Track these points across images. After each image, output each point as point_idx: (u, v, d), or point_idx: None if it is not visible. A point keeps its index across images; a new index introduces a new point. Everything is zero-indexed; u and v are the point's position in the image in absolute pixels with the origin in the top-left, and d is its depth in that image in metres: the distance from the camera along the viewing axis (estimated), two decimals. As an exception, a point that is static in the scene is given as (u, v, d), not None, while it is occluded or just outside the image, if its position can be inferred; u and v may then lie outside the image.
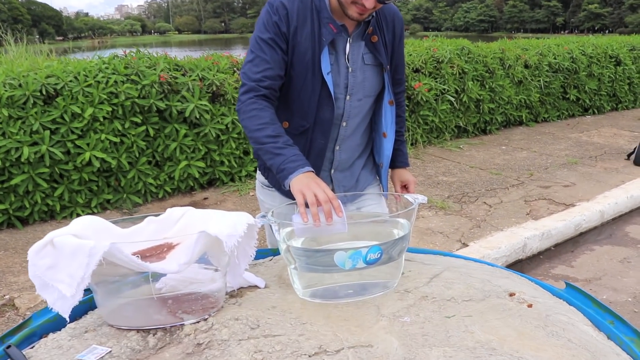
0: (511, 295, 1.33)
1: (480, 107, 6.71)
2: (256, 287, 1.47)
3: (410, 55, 5.99)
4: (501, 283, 1.40)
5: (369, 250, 1.29)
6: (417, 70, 6.00)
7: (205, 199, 4.44)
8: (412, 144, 6.03)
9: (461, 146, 6.25)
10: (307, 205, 1.43)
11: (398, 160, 2.02)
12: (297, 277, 1.37)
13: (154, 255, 1.29)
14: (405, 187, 2.04)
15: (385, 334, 1.18)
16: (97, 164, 3.89)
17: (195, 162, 4.38)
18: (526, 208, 4.20)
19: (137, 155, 4.16)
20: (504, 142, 6.57)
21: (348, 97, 1.78)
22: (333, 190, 1.91)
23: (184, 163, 4.30)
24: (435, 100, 6.09)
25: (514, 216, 4.00)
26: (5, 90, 3.71)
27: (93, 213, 4.05)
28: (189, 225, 1.41)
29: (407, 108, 5.82)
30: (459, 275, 1.45)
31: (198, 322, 1.27)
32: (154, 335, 1.23)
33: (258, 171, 1.96)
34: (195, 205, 4.22)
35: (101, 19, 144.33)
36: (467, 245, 3.42)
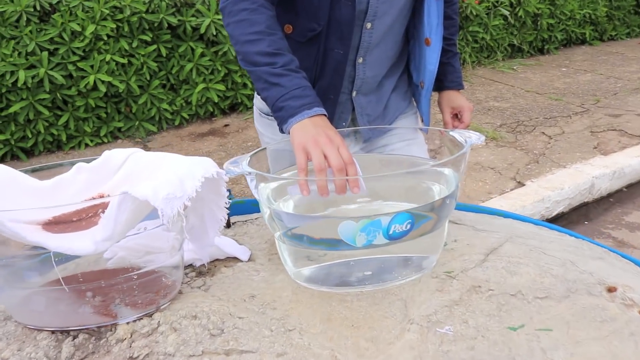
0: (610, 290, 0.86)
1: (538, 23, 5.96)
2: (237, 259, 1.05)
3: (460, -38, 5.26)
4: (592, 267, 0.93)
5: (394, 219, 0.84)
6: (467, -20, 5.29)
7: (226, 125, 4.02)
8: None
9: (515, 67, 5.59)
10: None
11: (448, 79, 1.53)
12: (287, 252, 0.94)
13: (84, 219, 0.87)
14: (457, 117, 1.56)
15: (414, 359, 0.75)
16: (103, 88, 3.49)
17: (214, 85, 3.92)
18: (593, 141, 3.62)
19: (149, 78, 3.73)
20: (564, 63, 5.85)
21: None
22: (354, 120, 1.44)
23: (201, 86, 3.85)
24: (487, 14, 5.40)
25: (578, 150, 3.44)
26: (-5, 6, 3.29)
27: (103, 143, 3.71)
28: (134, 175, 0.98)
29: (454, 24, 5.18)
30: (528, 250, 0.99)
31: (140, 318, 0.86)
32: (73, 340, 0.83)
33: (255, 94, 1.51)
34: (215, 133, 3.82)
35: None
36: (523, 185, 2.91)
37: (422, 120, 1.53)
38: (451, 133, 1.02)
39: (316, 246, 0.90)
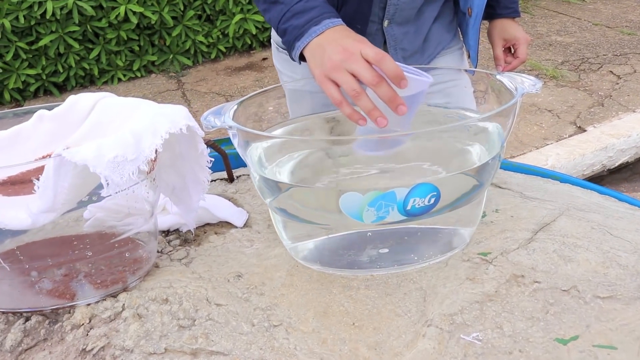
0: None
1: (613, -53, 5.36)
2: (230, 224, 0.89)
3: None
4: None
5: (412, 191, 0.64)
6: None
7: (264, 59, 3.82)
8: (520, -5, 4.95)
9: (583, -3, 5.09)
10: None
11: (501, 5, 1.29)
12: (281, 223, 0.77)
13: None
14: (510, 51, 1.33)
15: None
16: (134, 19, 3.32)
17: (253, 16, 3.69)
18: (668, 81, 3.24)
19: (183, 9, 3.54)
20: (640, -9, 5.28)
21: None
22: None
23: (238, 17, 3.63)
24: (555, -64, 4.87)
25: (651, 92, 3.09)
26: None
27: (136, 77, 3.58)
28: (102, 124, 0.82)
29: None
30: (589, 229, 0.78)
31: (104, 299, 0.72)
32: (25, 323, 0.71)
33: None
34: (253, 67, 3.63)
35: None
36: (585, 131, 2.62)
37: (469, 57, 1.30)
38: (499, 77, 0.80)
39: (314, 223, 0.72)
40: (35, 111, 0.82)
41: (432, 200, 0.65)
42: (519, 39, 1.29)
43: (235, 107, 0.76)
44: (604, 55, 3.70)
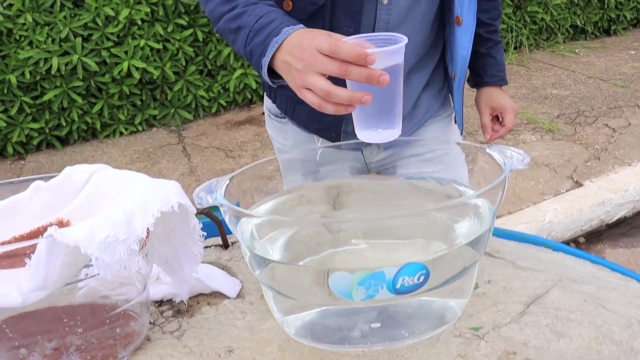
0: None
1: (605, 1, 5.51)
2: (223, 294, 0.89)
3: None
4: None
5: (401, 270, 0.65)
6: (526, -44, 4.92)
7: (264, 113, 3.86)
8: (515, 48, 5.06)
9: (577, 50, 5.19)
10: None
11: (488, 73, 1.31)
12: (272, 298, 0.77)
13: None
14: (498, 119, 1.34)
15: None
16: (137, 75, 3.39)
17: (253, 71, 3.77)
18: (663, 134, 3.28)
19: (185, 64, 3.61)
20: (633, 45, 5.40)
21: None
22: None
23: (239, 72, 3.70)
24: (548, -8, 5.02)
25: (646, 145, 3.12)
26: (29, -9, 3.23)
27: (138, 131, 3.62)
28: (97, 197, 0.83)
29: (510, 2, 4.82)
30: (582, 301, 0.78)
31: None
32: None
33: (265, 94, 1.32)
34: (253, 121, 3.67)
35: None
36: (581, 185, 2.63)
37: (455, 121, 1.31)
38: (489, 150, 0.81)
39: (305, 300, 0.72)
40: (32, 182, 0.83)
41: (422, 278, 0.65)
42: (506, 107, 1.30)
43: (227, 182, 0.77)
44: (598, 108, 3.75)
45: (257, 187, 0.86)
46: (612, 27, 5.80)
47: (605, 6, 5.55)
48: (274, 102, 1.26)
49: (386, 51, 0.75)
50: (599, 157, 2.96)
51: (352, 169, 1.25)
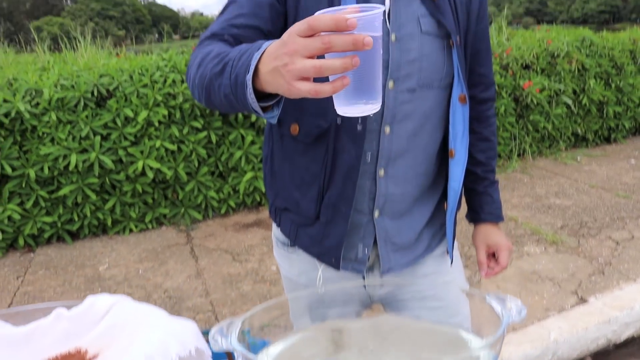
0: None
1: (604, 111, 5.71)
2: None
3: (520, 48, 5.14)
4: None
5: None
6: (526, 67, 5.14)
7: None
8: (519, 155, 5.18)
9: (579, 158, 5.32)
10: None
11: (485, 211, 1.36)
12: None
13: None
14: (494, 257, 1.38)
15: None
16: (151, 174, 3.50)
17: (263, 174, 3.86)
18: (667, 248, 3.30)
19: (197, 165, 3.72)
20: (633, 153, 5.53)
21: (391, 84, 1.13)
22: (378, 257, 1.25)
23: (250, 174, 3.80)
24: (549, 102, 5.20)
25: (650, 259, 3.13)
26: (56, 92, 3.39)
27: (147, 229, 3.68)
28: (117, 328, 0.86)
29: (513, 111, 5.00)
30: None
31: None
32: None
33: (274, 224, 1.37)
34: (261, 224, 3.73)
35: (215, 17, 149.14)
36: (586, 301, 2.63)
37: (447, 251, 1.34)
38: (488, 299, 0.85)
39: None
40: (55, 308, 0.87)
41: None
42: (501, 246, 1.34)
43: (240, 324, 0.81)
44: (602, 219, 3.80)
45: (269, 329, 0.89)
46: (612, 136, 5.97)
47: (605, 115, 5.74)
48: (278, 225, 1.30)
49: (364, 17, 0.73)
50: (603, 271, 2.97)
51: (358, 305, 1.28)
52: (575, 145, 5.74)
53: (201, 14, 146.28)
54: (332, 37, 0.72)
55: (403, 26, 1.13)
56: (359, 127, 1.13)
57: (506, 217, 3.86)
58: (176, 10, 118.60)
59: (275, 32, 1.10)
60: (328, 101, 1.10)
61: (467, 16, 1.21)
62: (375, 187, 1.19)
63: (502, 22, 5.82)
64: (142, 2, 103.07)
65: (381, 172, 1.18)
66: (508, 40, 5.48)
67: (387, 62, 1.12)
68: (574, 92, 5.42)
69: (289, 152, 1.22)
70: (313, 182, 1.18)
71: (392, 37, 1.11)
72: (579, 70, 5.39)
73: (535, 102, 4.99)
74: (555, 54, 5.25)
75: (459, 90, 1.18)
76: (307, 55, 0.74)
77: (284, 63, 0.76)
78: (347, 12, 0.73)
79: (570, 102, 5.26)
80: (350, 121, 1.13)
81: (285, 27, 1.11)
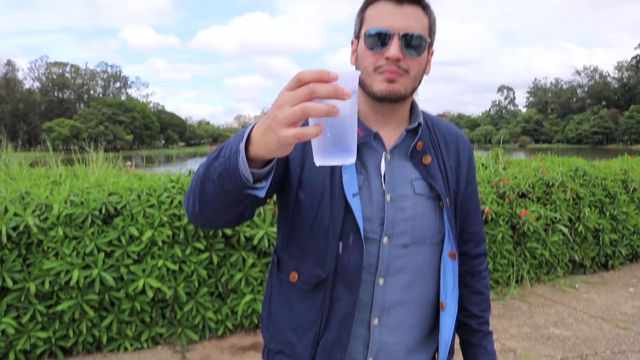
0: None
1: (600, 238, 5.79)
2: None
3: (516, 177, 5.32)
4: None
5: None
6: (523, 196, 5.29)
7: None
8: (517, 281, 5.20)
9: (577, 285, 5.32)
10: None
11: None
12: None
13: None
14: None
15: None
16: (150, 293, 3.51)
17: (262, 296, 3.88)
18: (669, 387, 3.24)
19: (197, 286, 3.74)
20: (631, 281, 5.54)
21: (385, 239, 1.22)
22: None
23: (249, 296, 3.81)
24: (545, 230, 5.30)
25: (652, 400, 3.07)
26: (66, 208, 3.49)
27: (143, 348, 3.63)
28: None
29: (510, 239, 5.08)
30: None
31: None
32: None
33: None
34: (257, 348, 3.68)
35: (220, 127, 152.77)
36: None
37: None
38: None
39: None
40: None
41: None
42: None
43: None
44: (602, 352, 3.75)
45: None
46: (610, 262, 6.01)
47: (601, 243, 5.82)
48: None
49: (343, 74, 0.83)
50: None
51: None
52: (573, 271, 5.77)
53: (207, 123, 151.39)
54: (316, 84, 0.81)
55: (398, 187, 1.24)
56: (355, 278, 1.21)
57: (505, 347, 3.81)
58: (184, 118, 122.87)
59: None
60: (326, 252, 1.20)
61: (456, 180, 1.33)
62: (370, 335, 1.25)
63: (498, 152, 6.06)
64: (152, 109, 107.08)
65: (375, 321, 1.24)
66: (505, 170, 5.69)
67: (383, 219, 1.22)
68: (570, 219, 5.54)
69: (288, 297, 1.28)
70: (310, 327, 1.24)
71: (388, 197, 1.23)
72: (573, 199, 5.54)
73: (531, 229, 5.08)
74: (550, 183, 5.43)
75: (449, 247, 1.28)
76: (294, 104, 0.82)
77: (274, 117, 0.84)
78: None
79: (566, 230, 5.36)
80: (348, 272, 1.21)
81: (284, 173, 1.23)
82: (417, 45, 1.19)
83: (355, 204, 1.18)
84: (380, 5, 1.20)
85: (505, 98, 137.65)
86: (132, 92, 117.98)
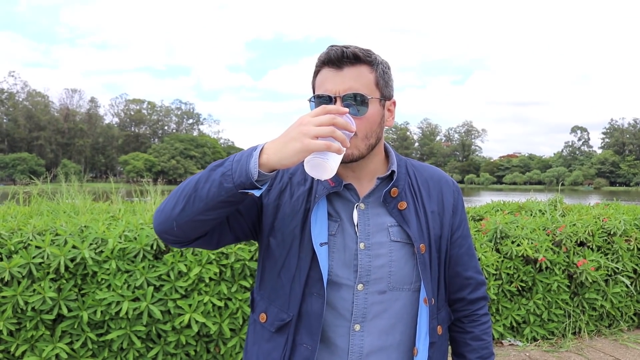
0: None
1: (669, 292, 5.44)
2: None
3: (574, 225, 5.12)
4: None
5: None
6: (581, 244, 5.08)
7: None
8: (574, 333, 4.96)
9: (642, 341, 5.01)
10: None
11: None
12: None
13: None
14: None
15: None
16: (196, 328, 3.60)
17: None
18: None
19: (242, 322, 3.80)
20: None
21: (360, 286, 1.26)
22: None
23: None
24: (606, 281, 5.05)
25: None
26: (120, 242, 3.67)
27: (186, 381, 3.70)
28: None
29: (567, 289, 4.87)
30: None
31: None
32: None
33: None
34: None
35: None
36: None
37: None
38: None
39: None
40: None
41: None
42: None
43: None
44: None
45: None
46: (681, 318, 5.63)
47: (670, 296, 5.47)
48: None
49: (348, 115, 1.20)
50: None
51: None
52: (639, 326, 5.43)
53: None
54: (336, 117, 1.12)
55: (372, 235, 1.28)
56: (315, 323, 1.25)
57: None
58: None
59: (245, 213, 1.34)
60: (291, 297, 1.26)
61: (440, 224, 1.34)
62: None
63: (557, 200, 5.87)
64: (222, 145, 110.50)
65: None
66: (563, 217, 5.50)
67: (357, 266, 1.26)
68: (634, 271, 5.25)
69: (258, 336, 1.36)
70: None
71: (361, 245, 1.27)
72: (638, 248, 5.27)
73: (590, 280, 4.86)
74: (612, 232, 5.19)
75: (424, 293, 1.29)
76: (317, 125, 1.11)
77: (300, 131, 1.10)
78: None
79: (628, 281, 5.09)
80: (310, 318, 1.26)
81: (258, 219, 1.37)
82: (360, 103, 1.24)
83: (322, 254, 1.23)
84: (324, 72, 1.29)
85: (579, 139, 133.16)
86: (204, 128, 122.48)
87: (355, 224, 1.28)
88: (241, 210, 1.32)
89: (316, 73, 1.33)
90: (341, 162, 1.23)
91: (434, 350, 1.33)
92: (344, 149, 1.13)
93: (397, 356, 1.30)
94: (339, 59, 1.24)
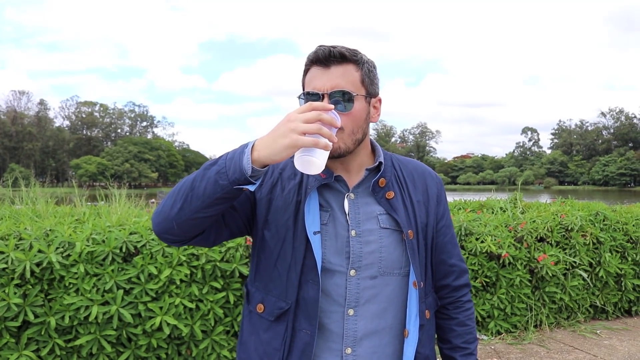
0: None
1: (622, 284, 5.70)
2: None
3: (534, 222, 5.31)
4: None
5: None
6: (541, 240, 5.27)
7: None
8: (535, 326, 5.13)
9: (598, 331, 5.23)
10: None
11: None
12: None
13: None
14: None
15: None
16: (167, 330, 3.56)
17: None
18: None
19: (213, 324, 3.78)
20: (655, 329, 5.42)
21: (352, 272, 1.33)
22: None
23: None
24: (564, 275, 5.25)
25: None
26: (88, 246, 3.60)
27: (157, 384, 3.66)
28: None
29: (528, 283, 5.04)
30: None
31: None
32: None
33: None
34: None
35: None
36: None
37: None
38: None
39: None
40: None
41: None
42: None
43: None
44: (622, 402, 3.67)
45: None
46: (633, 308, 5.89)
47: (623, 288, 5.73)
48: None
49: (334, 111, 1.27)
50: None
51: None
52: (595, 316, 5.67)
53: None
54: (322, 113, 1.17)
55: (363, 223, 1.35)
56: (313, 309, 1.31)
57: (522, 394, 3.75)
58: (208, 156, 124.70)
59: (239, 209, 1.40)
60: (288, 285, 1.31)
61: (425, 213, 1.41)
62: None
63: (517, 196, 6.07)
64: (177, 148, 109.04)
65: (348, 350, 1.33)
66: (523, 213, 5.68)
67: (349, 253, 1.31)
68: (590, 264, 5.48)
69: (256, 327, 1.40)
70: (274, 355, 1.34)
71: (352, 232, 1.33)
72: (593, 243, 5.49)
73: (550, 274, 5.04)
74: (569, 228, 5.40)
75: (413, 277, 1.36)
76: (304, 122, 1.16)
77: (289, 127, 1.15)
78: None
79: (585, 274, 5.30)
80: (306, 304, 1.32)
81: (252, 214, 1.42)
82: (347, 100, 1.30)
83: (315, 242, 1.28)
84: (312, 70, 1.36)
85: (530, 140, 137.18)
86: (158, 131, 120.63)
87: (347, 212, 1.34)
88: (235, 207, 1.37)
89: (305, 71, 1.39)
90: (330, 157, 1.29)
91: (423, 332, 1.40)
92: (331, 144, 1.17)
93: (390, 339, 1.36)
94: (326, 58, 1.32)
